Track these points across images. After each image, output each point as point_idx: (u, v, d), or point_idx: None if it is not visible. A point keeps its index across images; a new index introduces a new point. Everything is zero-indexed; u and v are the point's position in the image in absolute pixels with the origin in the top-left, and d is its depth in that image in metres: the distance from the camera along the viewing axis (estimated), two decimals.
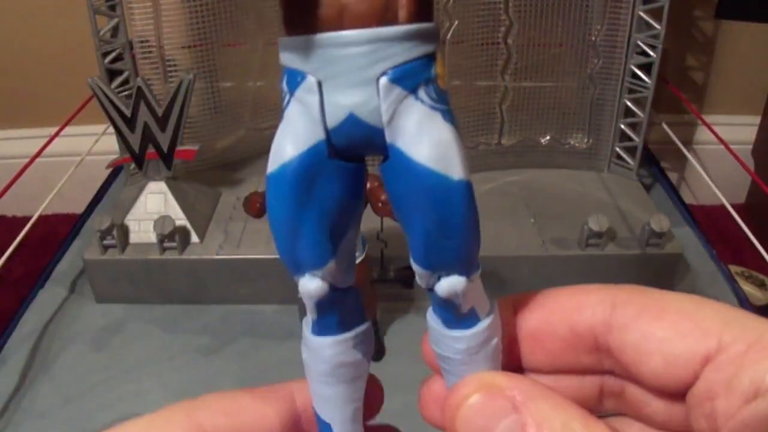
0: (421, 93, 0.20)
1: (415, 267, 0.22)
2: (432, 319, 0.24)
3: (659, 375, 0.20)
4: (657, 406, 0.22)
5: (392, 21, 0.19)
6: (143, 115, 0.86)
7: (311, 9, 0.19)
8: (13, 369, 0.83)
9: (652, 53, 0.98)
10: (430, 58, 0.20)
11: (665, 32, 0.96)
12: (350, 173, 0.21)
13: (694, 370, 0.20)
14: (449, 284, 0.22)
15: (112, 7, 0.94)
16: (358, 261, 0.79)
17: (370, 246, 0.82)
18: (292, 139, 0.20)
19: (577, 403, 0.20)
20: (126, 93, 0.94)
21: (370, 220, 0.83)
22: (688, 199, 1.29)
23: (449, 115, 0.20)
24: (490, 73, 1.02)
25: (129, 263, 0.90)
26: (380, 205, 0.73)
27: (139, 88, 0.84)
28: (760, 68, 1.28)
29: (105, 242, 0.89)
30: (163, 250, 0.89)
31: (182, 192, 0.94)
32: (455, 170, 0.20)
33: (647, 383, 0.21)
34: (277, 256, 0.22)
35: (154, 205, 0.92)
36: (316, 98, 0.20)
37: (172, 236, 0.88)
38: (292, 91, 0.20)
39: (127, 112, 0.86)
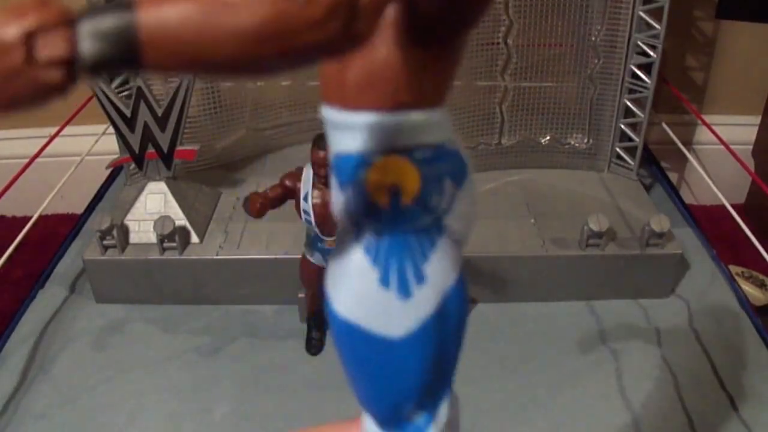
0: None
1: None
2: None
3: None
4: None
5: (334, 103, 0.18)
6: (143, 115, 0.86)
7: None
8: (13, 369, 0.83)
9: (652, 53, 0.98)
10: (356, 157, 0.17)
11: (665, 32, 0.96)
12: None
13: None
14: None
15: None
16: None
17: None
18: None
19: None
20: (126, 93, 0.94)
21: None
22: (688, 199, 1.29)
23: (362, 236, 0.18)
24: (490, 73, 1.02)
25: (129, 263, 0.90)
26: None
27: (139, 88, 0.84)
28: (760, 68, 1.28)
29: (105, 242, 0.89)
30: (163, 250, 0.89)
31: (182, 192, 0.94)
32: (337, 301, 0.18)
33: None
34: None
35: (154, 205, 0.92)
36: None
37: (172, 236, 0.88)
38: None
39: (127, 112, 0.86)
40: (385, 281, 0.18)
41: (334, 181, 0.19)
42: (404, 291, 0.18)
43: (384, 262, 0.18)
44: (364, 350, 0.19)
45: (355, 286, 0.18)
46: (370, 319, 0.18)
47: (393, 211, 0.18)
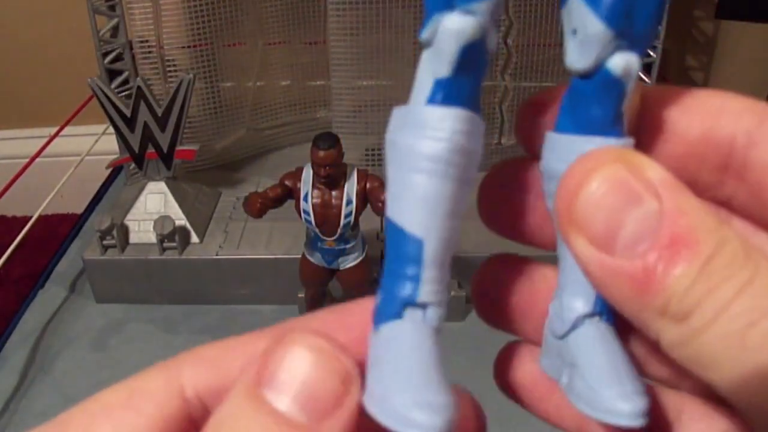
0: None
1: (594, 23, 0.17)
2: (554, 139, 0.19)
3: None
4: None
5: None
6: (143, 115, 0.86)
7: None
8: (13, 369, 0.83)
9: (652, 53, 0.98)
10: None
11: (665, 32, 0.96)
12: None
13: None
14: (625, 60, 0.17)
15: (112, 7, 0.94)
16: (357, 261, 0.79)
17: (370, 246, 0.82)
18: None
19: None
20: (126, 93, 0.94)
21: (370, 220, 0.83)
22: None
23: None
24: (490, 73, 1.02)
25: (129, 263, 0.90)
26: (380, 205, 0.73)
27: (139, 88, 0.84)
28: (760, 68, 1.28)
29: (105, 242, 0.89)
30: (163, 250, 0.89)
31: (182, 192, 0.94)
32: None
33: None
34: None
35: (154, 205, 0.92)
36: None
37: (172, 236, 0.88)
38: None
39: (127, 112, 0.86)
40: None
41: None
42: None
43: None
44: None
45: None
46: None
47: None
